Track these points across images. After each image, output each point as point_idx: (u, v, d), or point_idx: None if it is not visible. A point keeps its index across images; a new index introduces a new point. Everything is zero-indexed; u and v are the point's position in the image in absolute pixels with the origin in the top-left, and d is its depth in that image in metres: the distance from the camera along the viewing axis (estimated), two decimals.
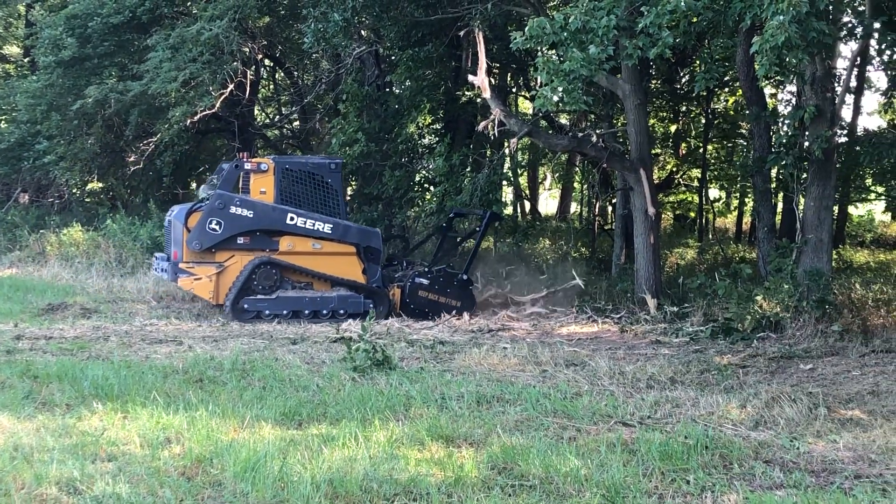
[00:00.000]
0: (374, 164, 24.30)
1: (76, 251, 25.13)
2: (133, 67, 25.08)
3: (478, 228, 20.67)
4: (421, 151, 27.02)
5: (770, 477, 7.72)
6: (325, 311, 17.89)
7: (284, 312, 17.65)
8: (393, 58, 25.67)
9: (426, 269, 19.27)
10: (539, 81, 15.26)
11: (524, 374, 12.33)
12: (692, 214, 34.38)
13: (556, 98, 15.08)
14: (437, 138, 26.20)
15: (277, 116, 36.20)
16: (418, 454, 8.10)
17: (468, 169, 23.47)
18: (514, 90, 33.01)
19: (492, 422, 9.26)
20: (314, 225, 18.02)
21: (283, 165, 18.25)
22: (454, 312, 18.56)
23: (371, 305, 17.89)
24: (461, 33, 20.83)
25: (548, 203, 46.26)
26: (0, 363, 11.95)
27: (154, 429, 8.69)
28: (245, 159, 18.19)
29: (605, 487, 7.20)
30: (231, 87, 24.17)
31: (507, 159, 26.09)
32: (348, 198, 29.69)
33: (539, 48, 15.94)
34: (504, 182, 28.38)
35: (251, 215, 17.70)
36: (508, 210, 33.21)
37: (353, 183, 27.43)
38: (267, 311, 17.59)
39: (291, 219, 17.89)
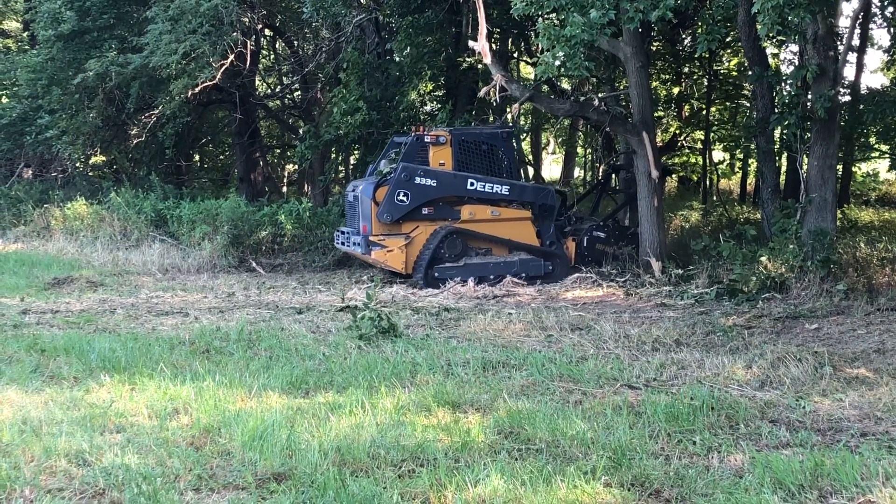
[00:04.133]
0: (375, 132, 24.24)
1: (81, 225, 25.16)
2: (133, 40, 24.96)
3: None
4: (423, 118, 26.94)
5: (776, 436, 7.75)
6: (509, 275, 18.51)
7: (472, 278, 18.20)
8: (393, 25, 25.54)
9: (601, 223, 20.30)
10: (540, 47, 15.19)
11: (529, 339, 12.37)
12: (695, 177, 34.29)
13: (557, 63, 15.03)
14: (439, 105, 26.10)
15: (278, 86, 36.05)
16: (425, 420, 8.14)
17: None
18: (515, 55, 32.83)
19: (498, 387, 9.29)
20: (492, 188, 18.73)
21: (460, 136, 18.87)
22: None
23: (550, 267, 18.89)
24: None
25: (551, 168, 46.11)
26: (7, 337, 12.02)
27: (162, 400, 8.73)
28: (424, 133, 18.74)
29: (612, 450, 7.23)
30: (231, 58, 24.07)
31: (510, 125, 26.02)
32: (351, 167, 29.74)
33: (540, 13, 15.86)
34: None
35: (435, 184, 18.41)
36: None
37: (356, 151, 27.38)
38: (458, 278, 18.15)
39: (471, 184, 18.60)
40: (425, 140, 18.59)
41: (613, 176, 22.82)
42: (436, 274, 18.26)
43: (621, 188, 22.91)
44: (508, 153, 19.39)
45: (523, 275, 18.60)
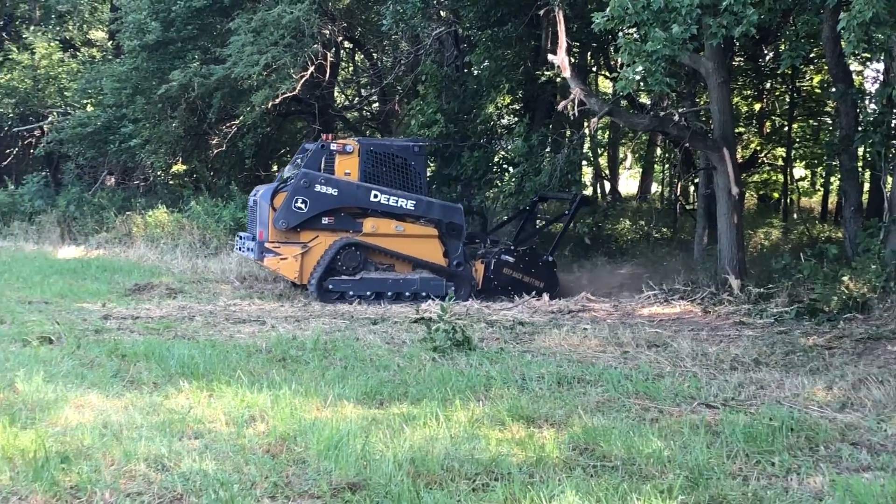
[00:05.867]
0: (452, 144, 24.30)
1: (161, 232, 25.58)
2: (216, 51, 25.35)
3: (566, 212, 20.61)
4: (500, 132, 26.97)
5: (857, 459, 7.59)
6: (407, 293, 18.02)
7: (367, 293, 17.82)
8: (472, 38, 25.60)
9: (512, 248, 19.25)
10: (620, 62, 15.11)
11: (605, 355, 12.27)
12: (776, 195, 33.85)
13: (637, 78, 14.93)
14: (517, 118, 26.13)
15: (357, 98, 36.34)
16: (499, 434, 8.10)
17: (547, 149, 23.39)
18: (594, 69, 32.71)
19: (573, 402, 9.23)
20: (397, 202, 18.17)
21: (368, 147, 18.41)
22: (534, 293, 18.52)
23: (453, 288, 17.97)
24: (541, 12, 20.69)
25: (628, 183, 45.82)
26: (89, 342, 12.21)
27: (239, 407, 8.80)
28: (330, 140, 18.36)
29: (689, 469, 7.14)
30: (311, 69, 24.32)
31: (587, 139, 25.94)
32: (428, 178, 29.79)
33: (621, 28, 15.78)
34: (584, 162, 28.23)
35: (336, 193, 17.90)
36: (588, 191, 33.01)
37: (432, 164, 27.48)
38: (351, 292, 17.74)
39: (375, 196, 18.06)
40: (331, 148, 18.21)
41: (536, 203, 21.83)
42: (330, 286, 17.80)
43: (544, 217, 22.15)
44: (420, 168, 18.86)
45: (423, 294, 18.06)
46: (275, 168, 36.06)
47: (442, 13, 24.41)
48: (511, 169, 24.65)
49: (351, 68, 37.05)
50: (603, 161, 37.23)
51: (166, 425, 8.13)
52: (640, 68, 14.46)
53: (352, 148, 18.24)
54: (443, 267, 18.48)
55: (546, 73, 23.48)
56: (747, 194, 30.02)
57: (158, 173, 31.61)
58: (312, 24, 23.54)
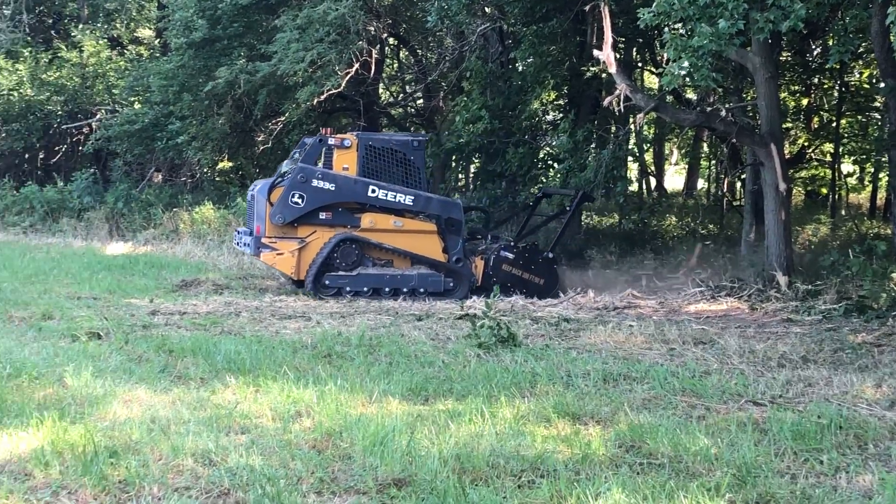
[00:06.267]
0: (497, 141, 24.30)
1: (208, 229, 25.78)
2: (261, 48, 25.48)
3: (568, 208, 20.48)
4: (545, 128, 26.93)
5: None
6: (404, 290, 17.95)
7: (364, 290, 17.77)
8: (517, 34, 25.55)
9: (512, 244, 19.17)
10: (666, 57, 15.02)
11: (651, 351, 12.20)
12: (824, 191, 33.53)
13: (683, 74, 14.83)
14: (562, 114, 26.07)
15: (401, 95, 36.40)
16: (545, 431, 8.08)
17: (593, 145, 23.31)
18: (639, 65, 32.57)
19: (619, 399, 9.19)
20: (395, 197, 17.99)
21: (367, 142, 18.27)
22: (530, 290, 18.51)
23: (451, 284, 18.10)
24: (586, 8, 20.60)
25: (674, 179, 45.56)
26: (137, 338, 12.32)
27: (285, 402, 8.84)
28: (328, 135, 18.31)
29: (736, 467, 7.08)
30: (356, 66, 24.39)
31: (633, 135, 25.81)
32: (472, 175, 29.78)
33: (667, 23, 15.68)
34: (629, 158, 28.11)
35: (333, 188, 17.75)
36: (634, 186, 32.86)
37: (477, 161, 27.46)
38: (348, 288, 17.73)
39: (373, 191, 17.88)
40: (329, 143, 18.11)
41: (540, 200, 21.62)
42: (326, 282, 17.67)
43: (545, 214, 21.88)
44: (419, 163, 18.59)
45: (420, 290, 17.97)
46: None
47: (487, 9, 24.39)
48: (556, 165, 24.61)
49: (395, 65, 37.12)
50: (648, 157, 37.01)
51: (213, 420, 8.18)
52: (686, 63, 14.37)
53: (350, 143, 18.10)
54: (441, 263, 18.29)
55: (591, 68, 23.38)
56: (795, 190, 29.75)
57: (205, 170, 31.85)
58: (357, 21, 23.60)
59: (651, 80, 34.57)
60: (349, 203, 18.00)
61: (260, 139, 28.31)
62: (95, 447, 7.18)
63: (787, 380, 10.23)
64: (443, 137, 26.81)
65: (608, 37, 18.14)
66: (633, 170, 35.67)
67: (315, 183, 17.65)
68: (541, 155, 25.68)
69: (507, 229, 22.30)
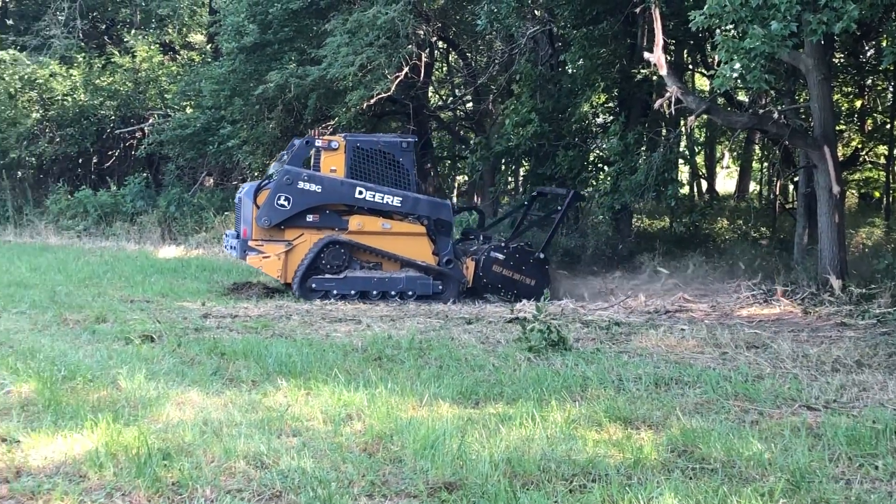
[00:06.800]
0: (547, 144, 24.23)
1: None
2: (312, 52, 25.60)
3: (559, 208, 20.34)
4: (595, 131, 26.80)
5: None
6: (393, 292, 17.86)
7: (352, 293, 17.69)
8: (567, 37, 25.47)
9: (503, 245, 19.02)
10: (717, 59, 14.91)
11: (703, 356, 12.11)
12: (878, 193, 33.12)
13: (735, 76, 14.71)
14: (612, 117, 25.94)
15: (451, 98, 36.43)
16: (596, 435, 8.06)
17: (643, 148, 23.15)
18: (690, 67, 32.33)
19: (671, 404, 9.14)
20: (383, 198, 17.88)
21: (354, 143, 18.15)
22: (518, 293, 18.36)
23: (440, 287, 18.01)
24: (637, 10, 20.51)
25: (725, 182, 45.19)
26: (190, 340, 12.43)
27: (336, 405, 8.88)
28: (316, 136, 18.28)
29: (790, 472, 7.02)
30: (406, 69, 24.43)
31: (684, 138, 25.65)
32: (521, 178, 29.74)
33: (719, 25, 15.57)
34: (680, 161, 27.92)
35: (319, 190, 17.65)
36: (685, 189, 32.63)
37: (526, 164, 27.40)
38: (335, 291, 17.65)
39: (360, 192, 17.78)
40: (316, 144, 17.97)
41: (534, 199, 21.37)
42: (313, 285, 17.54)
43: (537, 214, 21.62)
44: (408, 164, 18.39)
45: (409, 293, 17.85)
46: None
47: (536, 12, 24.35)
48: (606, 168, 24.49)
49: (445, 68, 37.15)
50: (700, 160, 36.72)
51: (265, 423, 8.24)
52: (738, 65, 14.27)
53: (337, 144, 17.96)
54: (430, 265, 18.16)
55: (642, 71, 23.25)
56: (848, 193, 29.43)
57: (256, 174, 32.05)
58: (407, 25, 23.65)
59: (702, 83, 34.33)
60: (336, 205, 17.93)
61: None
62: (149, 449, 7.26)
63: (841, 384, 10.13)
64: (492, 141, 26.79)
65: (659, 39, 18.05)
66: (684, 172, 35.43)
67: (301, 185, 17.55)
68: (591, 158, 25.57)
69: (506, 229, 22.20)
